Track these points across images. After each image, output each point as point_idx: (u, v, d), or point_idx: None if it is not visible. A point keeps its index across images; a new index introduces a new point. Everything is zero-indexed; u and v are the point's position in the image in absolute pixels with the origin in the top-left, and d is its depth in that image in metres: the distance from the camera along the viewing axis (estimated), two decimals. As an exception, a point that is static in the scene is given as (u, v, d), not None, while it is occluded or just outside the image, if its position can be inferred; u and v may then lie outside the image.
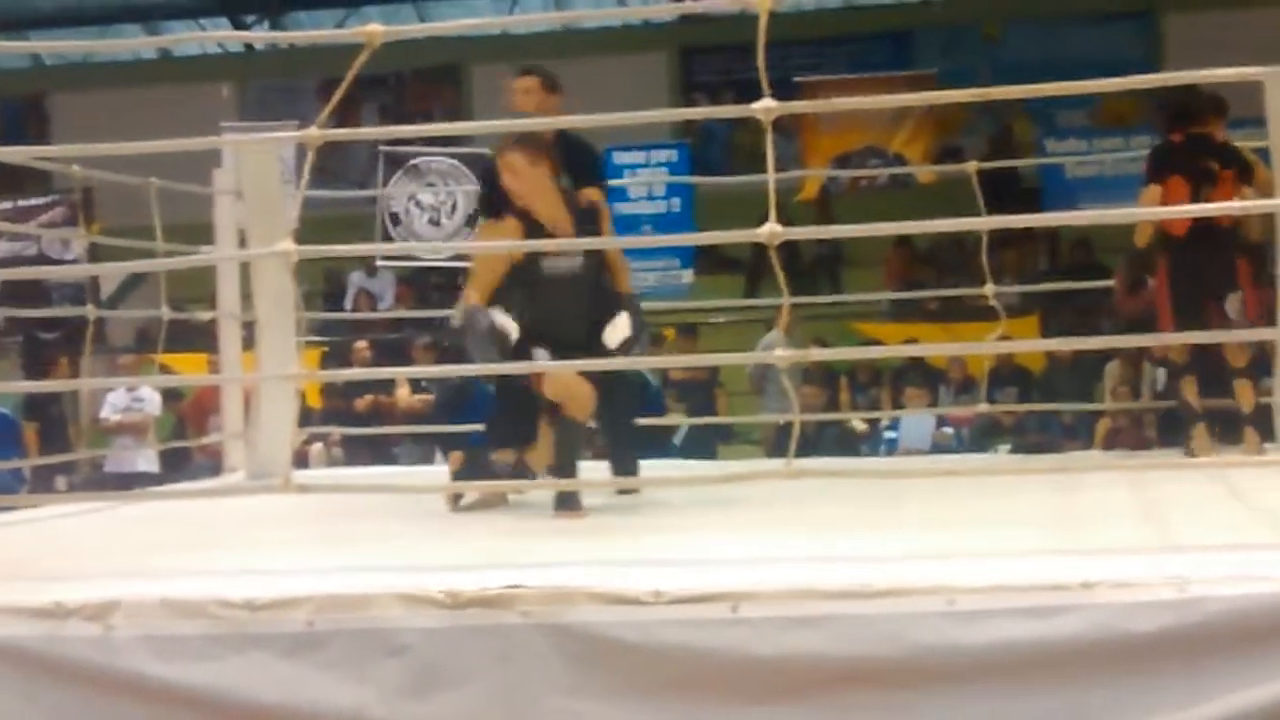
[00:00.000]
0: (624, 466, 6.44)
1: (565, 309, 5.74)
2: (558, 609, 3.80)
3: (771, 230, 4.45)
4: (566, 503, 5.58)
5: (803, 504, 5.41)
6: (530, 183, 5.63)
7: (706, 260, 16.03)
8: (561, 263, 5.69)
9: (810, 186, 16.29)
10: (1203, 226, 6.82)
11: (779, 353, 4.64)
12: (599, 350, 5.67)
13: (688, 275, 14.58)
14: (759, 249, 4.74)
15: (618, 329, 5.74)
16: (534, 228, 5.60)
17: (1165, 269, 6.98)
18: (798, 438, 4.64)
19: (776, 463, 5.06)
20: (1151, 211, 6.94)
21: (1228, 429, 7.11)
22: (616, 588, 3.81)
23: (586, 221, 5.75)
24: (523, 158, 5.62)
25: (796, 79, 16.23)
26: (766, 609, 3.72)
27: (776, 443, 11.72)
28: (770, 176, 4.60)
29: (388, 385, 12.70)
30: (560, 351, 5.60)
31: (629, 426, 6.69)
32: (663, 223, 13.70)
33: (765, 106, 4.51)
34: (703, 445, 12.12)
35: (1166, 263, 6.97)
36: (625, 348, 5.74)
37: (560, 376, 5.53)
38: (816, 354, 7.45)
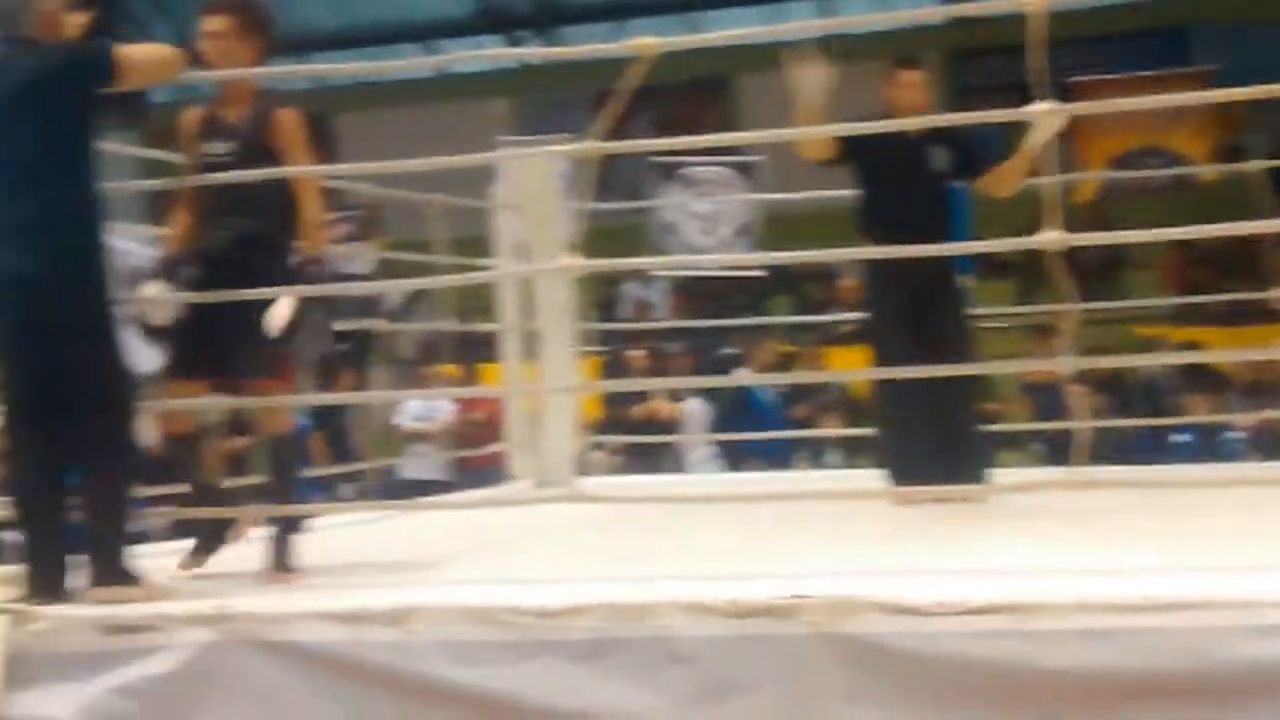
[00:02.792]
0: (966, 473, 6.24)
1: (211, 213, 5.00)
2: (842, 619, 3.80)
3: (1054, 237, 4.39)
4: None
5: (1087, 513, 5.31)
6: None
7: (980, 263, 15.79)
8: (219, 146, 5.02)
9: (1087, 188, 15.95)
10: None
11: (1062, 360, 4.58)
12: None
13: (968, 280, 14.38)
14: (1032, 251, 4.69)
15: (276, 312, 4.79)
16: None
17: None
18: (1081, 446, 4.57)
19: (1058, 471, 4.99)
20: None
21: None
22: (902, 598, 3.80)
23: None
24: None
25: (1070, 80, 15.89)
26: (1056, 621, 3.67)
27: (1057, 450, 11.49)
28: (1049, 179, 4.55)
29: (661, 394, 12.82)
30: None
31: (965, 430, 6.53)
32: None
33: (1041, 110, 4.45)
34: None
35: None
36: (293, 335, 4.81)
37: None
38: (1097, 363, 7.31)
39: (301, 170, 4.95)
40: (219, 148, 4.98)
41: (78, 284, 4.50)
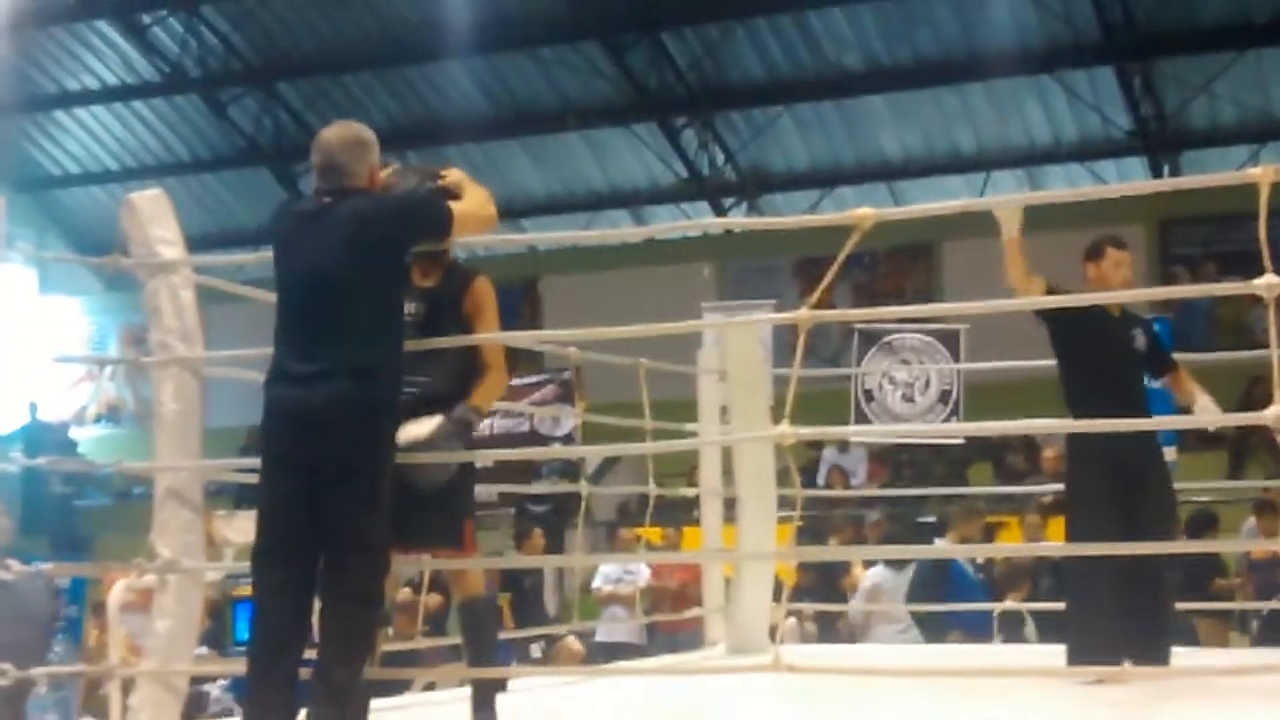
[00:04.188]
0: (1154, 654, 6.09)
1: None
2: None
3: (1277, 414, 4.26)
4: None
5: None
6: None
7: (1188, 435, 15.40)
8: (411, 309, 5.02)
9: (1302, 359, 15.52)
10: None
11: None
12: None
13: (1170, 452, 14.06)
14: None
15: (419, 427, 4.80)
16: None
17: None
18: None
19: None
20: None
21: None
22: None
23: None
24: None
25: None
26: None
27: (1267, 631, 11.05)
28: (1274, 352, 4.43)
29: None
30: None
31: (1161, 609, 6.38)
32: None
33: (1268, 283, 4.35)
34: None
35: None
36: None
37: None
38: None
39: (491, 337, 5.01)
40: (407, 308, 4.97)
41: (367, 429, 4.50)
